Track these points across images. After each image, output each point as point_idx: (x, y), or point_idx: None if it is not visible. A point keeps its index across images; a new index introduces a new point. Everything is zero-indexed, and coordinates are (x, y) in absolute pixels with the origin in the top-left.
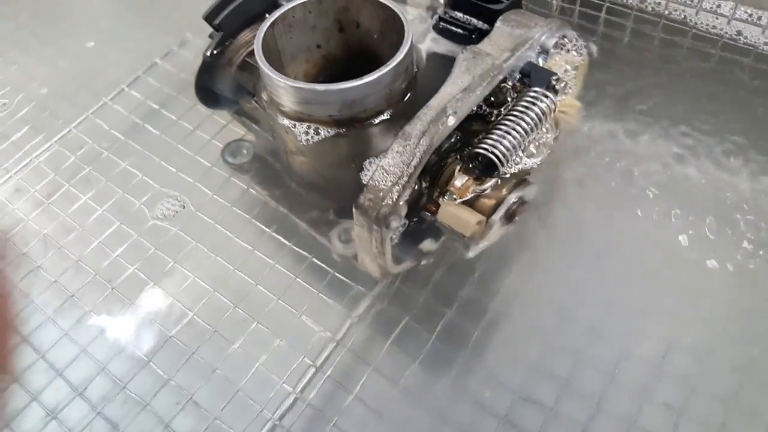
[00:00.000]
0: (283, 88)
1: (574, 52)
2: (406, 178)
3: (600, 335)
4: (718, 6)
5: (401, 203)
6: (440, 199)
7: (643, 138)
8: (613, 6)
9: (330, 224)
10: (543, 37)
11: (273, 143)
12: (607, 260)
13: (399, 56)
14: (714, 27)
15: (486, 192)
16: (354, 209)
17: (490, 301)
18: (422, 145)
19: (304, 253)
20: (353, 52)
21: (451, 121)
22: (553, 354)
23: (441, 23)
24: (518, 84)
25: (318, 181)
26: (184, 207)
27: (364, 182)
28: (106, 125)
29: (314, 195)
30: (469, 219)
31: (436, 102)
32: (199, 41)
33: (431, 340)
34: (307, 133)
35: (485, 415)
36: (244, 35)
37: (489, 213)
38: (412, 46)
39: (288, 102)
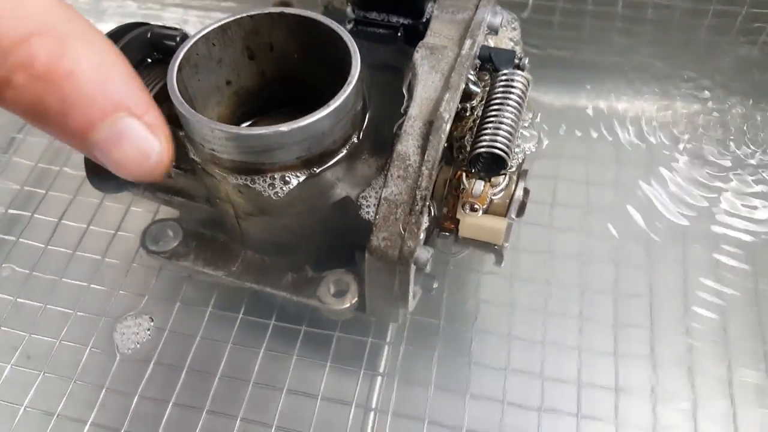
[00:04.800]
0: (234, 140)
1: (509, 27)
2: (420, 203)
3: None
4: None
5: (422, 233)
6: (460, 213)
7: None
8: None
9: (312, 282)
10: (488, 17)
11: (210, 212)
12: None
13: (356, 69)
14: None
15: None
16: (367, 254)
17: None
18: (428, 161)
19: (293, 326)
20: (267, 80)
21: (449, 126)
22: None
23: (357, 27)
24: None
25: (284, 239)
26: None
27: (369, 220)
28: None
29: (279, 257)
30: (499, 225)
31: (416, 110)
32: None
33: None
34: (272, 186)
35: None
36: None
37: (505, 213)
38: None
39: (240, 156)
